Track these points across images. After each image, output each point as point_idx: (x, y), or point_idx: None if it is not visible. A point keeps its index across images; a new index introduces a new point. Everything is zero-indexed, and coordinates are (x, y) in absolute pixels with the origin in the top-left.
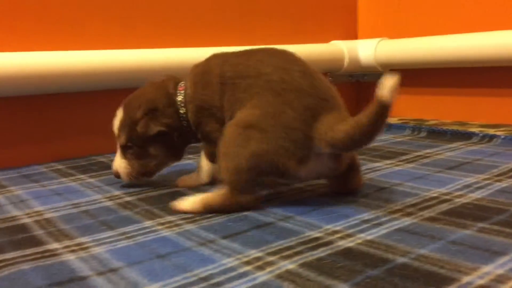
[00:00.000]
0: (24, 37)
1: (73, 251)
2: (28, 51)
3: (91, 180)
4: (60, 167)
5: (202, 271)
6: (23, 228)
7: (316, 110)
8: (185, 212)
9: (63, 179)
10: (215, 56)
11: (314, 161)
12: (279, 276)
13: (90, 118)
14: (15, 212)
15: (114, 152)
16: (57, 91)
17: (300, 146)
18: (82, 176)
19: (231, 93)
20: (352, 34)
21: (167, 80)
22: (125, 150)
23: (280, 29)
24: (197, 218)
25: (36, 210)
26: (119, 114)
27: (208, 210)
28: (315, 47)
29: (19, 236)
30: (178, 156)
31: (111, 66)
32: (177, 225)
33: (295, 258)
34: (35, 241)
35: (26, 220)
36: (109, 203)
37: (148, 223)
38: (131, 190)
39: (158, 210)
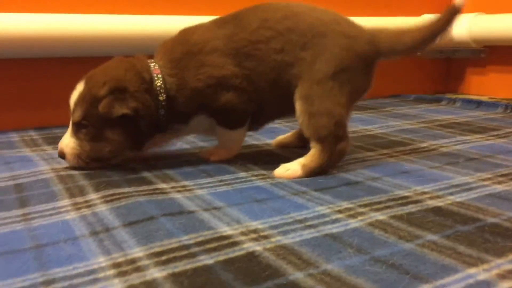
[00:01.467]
0: None
1: (179, 191)
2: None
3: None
4: None
5: (297, 215)
6: (133, 169)
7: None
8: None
9: None
10: (200, 32)
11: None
12: (370, 224)
13: None
14: None
15: None
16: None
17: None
18: None
19: (266, 57)
20: (445, 8)
21: (136, 60)
22: (78, 128)
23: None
24: None
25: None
26: (79, 88)
27: (309, 174)
28: (405, 20)
29: (131, 176)
30: (138, 146)
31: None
32: (270, 177)
33: (385, 211)
34: (146, 181)
35: (134, 165)
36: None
37: (242, 174)
38: None
39: (251, 165)
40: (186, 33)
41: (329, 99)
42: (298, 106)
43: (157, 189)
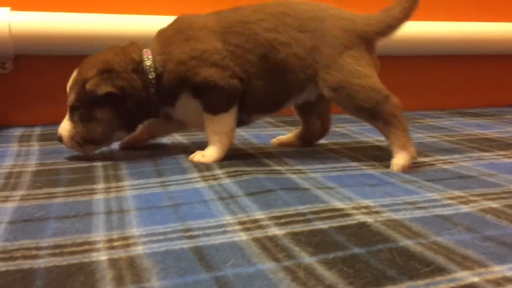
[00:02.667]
0: None
1: (293, 173)
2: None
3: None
4: (271, 120)
5: (408, 198)
6: (252, 155)
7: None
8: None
9: (274, 128)
10: (194, 16)
11: None
12: (482, 210)
13: None
14: (240, 145)
15: None
16: None
17: None
18: (290, 127)
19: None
20: None
21: (129, 46)
22: (72, 111)
23: (461, 2)
24: None
25: (258, 146)
26: (74, 74)
27: (410, 149)
28: (503, 26)
29: (251, 160)
30: (129, 127)
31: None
32: (381, 167)
33: (499, 201)
34: (263, 163)
35: (252, 152)
36: (318, 148)
37: (354, 163)
38: (340, 140)
39: (361, 156)
40: (180, 17)
41: (354, 76)
42: (332, 98)
43: (274, 169)
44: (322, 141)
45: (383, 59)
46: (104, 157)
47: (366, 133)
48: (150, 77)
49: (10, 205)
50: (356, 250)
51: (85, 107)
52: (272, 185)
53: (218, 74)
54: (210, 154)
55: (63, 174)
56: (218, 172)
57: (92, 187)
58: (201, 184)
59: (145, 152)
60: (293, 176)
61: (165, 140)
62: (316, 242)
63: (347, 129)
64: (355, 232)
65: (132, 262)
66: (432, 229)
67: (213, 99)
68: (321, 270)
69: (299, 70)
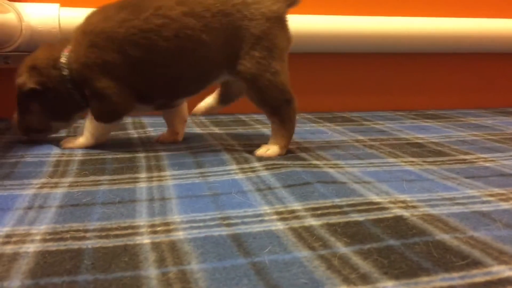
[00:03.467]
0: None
1: (331, 167)
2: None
3: (335, 127)
4: (309, 116)
5: (446, 194)
6: (290, 150)
7: None
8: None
9: (312, 124)
10: (98, 13)
11: None
12: None
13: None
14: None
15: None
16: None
17: None
18: (328, 124)
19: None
20: None
21: (60, 42)
22: (18, 104)
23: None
24: (439, 161)
25: (295, 141)
26: None
27: (286, 147)
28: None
29: (288, 155)
30: (63, 118)
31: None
32: (419, 164)
33: None
34: (300, 158)
35: (289, 146)
36: (356, 144)
37: (391, 159)
38: (378, 136)
39: (400, 152)
40: (90, 13)
41: (267, 71)
42: (243, 85)
43: (311, 164)
44: (360, 137)
45: (427, 56)
46: (146, 148)
47: (405, 130)
48: (64, 73)
49: (60, 191)
50: (392, 242)
51: (21, 100)
52: (309, 178)
53: (114, 89)
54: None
55: (108, 163)
56: (256, 164)
57: (136, 176)
58: (239, 176)
59: (184, 144)
60: (330, 170)
61: (200, 131)
62: (351, 233)
63: (386, 126)
64: (391, 225)
65: (173, 246)
66: (469, 224)
67: (101, 108)
68: (356, 260)
69: (212, 66)
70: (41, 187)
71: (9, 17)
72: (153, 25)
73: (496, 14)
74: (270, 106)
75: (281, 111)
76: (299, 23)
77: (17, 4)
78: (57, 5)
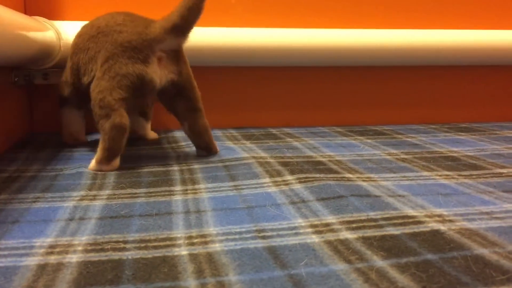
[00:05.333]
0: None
1: (364, 180)
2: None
3: (367, 140)
4: (340, 129)
5: (484, 208)
6: (321, 162)
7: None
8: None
9: (344, 137)
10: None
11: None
12: None
13: (385, 90)
14: (310, 153)
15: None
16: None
17: None
18: (360, 137)
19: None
20: None
21: None
22: None
23: (467, 10)
24: (475, 175)
25: (328, 154)
26: None
27: (100, 161)
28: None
29: (320, 167)
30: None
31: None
32: (454, 178)
33: None
34: (333, 171)
35: (321, 159)
36: (388, 157)
37: (425, 173)
38: (411, 150)
39: (434, 166)
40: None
41: (94, 89)
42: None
43: (344, 177)
44: (392, 150)
45: (459, 68)
46: (179, 162)
47: (438, 144)
48: None
49: (98, 203)
50: (429, 256)
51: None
52: (343, 192)
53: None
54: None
55: (143, 176)
56: (289, 178)
57: (171, 189)
58: (272, 189)
59: (216, 157)
60: (364, 184)
61: (232, 144)
62: (388, 246)
63: (419, 139)
64: (428, 239)
65: (210, 257)
66: (508, 239)
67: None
68: (394, 273)
69: (84, 76)
70: (80, 199)
71: (49, 35)
72: (82, 31)
73: None
74: (96, 121)
75: (101, 127)
76: (331, 37)
77: (56, 22)
78: None
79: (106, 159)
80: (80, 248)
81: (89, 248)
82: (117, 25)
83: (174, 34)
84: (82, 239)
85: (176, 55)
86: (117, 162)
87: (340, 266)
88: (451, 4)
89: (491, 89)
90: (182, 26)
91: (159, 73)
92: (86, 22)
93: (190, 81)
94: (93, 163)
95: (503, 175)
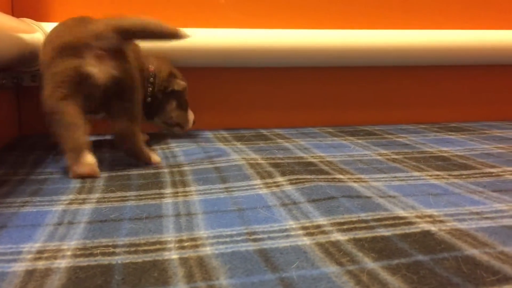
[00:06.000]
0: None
1: (355, 181)
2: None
3: (357, 141)
4: (331, 130)
5: (474, 208)
6: (312, 163)
7: None
8: None
9: (334, 137)
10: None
11: None
12: None
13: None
14: (301, 154)
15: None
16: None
17: None
18: (350, 137)
19: None
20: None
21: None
22: None
23: (453, 10)
24: (465, 174)
25: (318, 155)
26: None
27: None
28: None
29: (311, 168)
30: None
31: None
32: (445, 177)
33: None
34: (324, 172)
35: (312, 160)
36: (379, 157)
37: (416, 174)
38: (401, 150)
39: (425, 166)
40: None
41: (43, 96)
42: None
43: (335, 178)
44: (383, 151)
45: (449, 68)
46: (170, 164)
47: (429, 144)
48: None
49: (88, 207)
50: (420, 257)
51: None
52: (334, 193)
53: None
54: None
55: (133, 179)
56: (280, 179)
57: (161, 191)
58: (264, 191)
59: (207, 159)
60: (355, 185)
61: (223, 146)
62: (379, 248)
63: (409, 139)
64: (419, 240)
65: (201, 261)
66: (499, 239)
67: None
68: (385, 275)
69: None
70: (69, 203)
71: (37, 37)
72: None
73: None
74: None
75: (50, 125)
76: (321, 38)
77: (43, 24)
78: None
79: (73, 160)
80: (69, 253)
81: (78, 253)
82: (61, 31)
83: (117, 35)
84: (71, 244)
85: (119, 53)
86: (89, 160)
87: (331, 269)
88: (435, 5)
89: (479, 89)
90: (127, 33)
91: (98, 68)
92: None
93: (131, 82)
94: (69, 170)
95: (493, 174)
